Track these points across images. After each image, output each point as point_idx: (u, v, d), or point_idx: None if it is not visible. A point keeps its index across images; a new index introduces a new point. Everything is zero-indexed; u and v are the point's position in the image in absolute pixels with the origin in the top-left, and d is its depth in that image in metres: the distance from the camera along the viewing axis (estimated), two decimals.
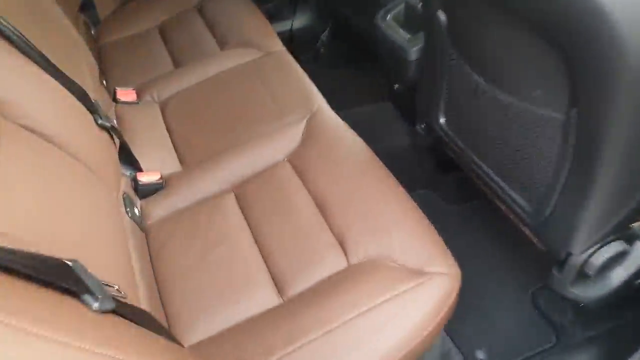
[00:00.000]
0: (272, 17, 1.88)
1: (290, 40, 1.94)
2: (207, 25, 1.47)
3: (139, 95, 1.23)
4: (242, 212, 0.91)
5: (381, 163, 0.96)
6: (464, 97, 1.01)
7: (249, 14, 1.50)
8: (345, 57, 1.94)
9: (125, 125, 1.09)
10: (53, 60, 0.80)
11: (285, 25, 1.93)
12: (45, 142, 0.72)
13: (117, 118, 1.10)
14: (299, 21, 1.94)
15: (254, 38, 1.39)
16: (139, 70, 1.34)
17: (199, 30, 1.46)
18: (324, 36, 1.97)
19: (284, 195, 0.92)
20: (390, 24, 1.33)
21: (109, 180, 0.84)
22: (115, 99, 1.18)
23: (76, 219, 0.68)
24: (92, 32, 1.45)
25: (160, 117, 1.16)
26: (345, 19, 1.69)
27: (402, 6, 1.35)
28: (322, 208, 0.89)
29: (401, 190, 0.90)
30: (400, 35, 1.27)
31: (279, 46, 1.38)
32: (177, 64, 1.37)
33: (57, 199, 0.66)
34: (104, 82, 1.22)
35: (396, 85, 1.41)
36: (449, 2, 0.96)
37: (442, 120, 1.11)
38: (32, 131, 0.70)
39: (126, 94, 1.20)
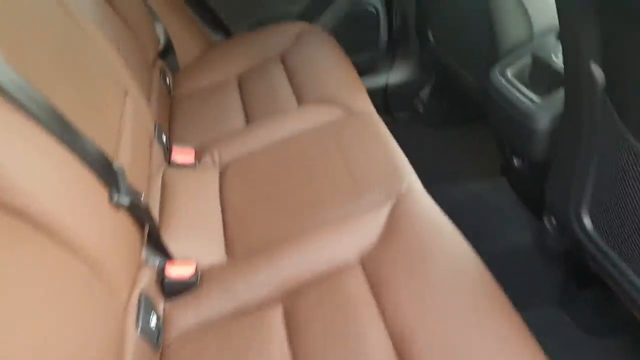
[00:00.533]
0: (366, 69, 1.68)
1: (385, 96, 1.71)
2: (288, 77, 1.29)
3: (198, 155, 1.05)
4: (289, 336, 0.66)
5: (493, 280, 0.66)
6: (629, 191, 0.69)
7: (335, 65, 1.29)
8: (449, 118, 1.67)
9: (172, 194, 0.90)
10: (72, 114, 0.62)
11: (379, 79, 1.72)
12: (23, 225, 0.53)
13: (164, 185, 0.91)
14: (396, 74, 1.71)
15: (337, 93, 1.17)
16: (206, 126, 1.18)
17: (278, 81, 1.28)
18: (423, 93, 1.72)
19: (347, 319, 0.65)
20: (511, 81, 1.04)
21: (117, 279, 0.63)
22: (169, 160, 1.01)
23: (50, 342, 0.47)
24: (168, 80, 1.33)
25: (217, 186, 0.96)
26: (451, 73, 1.42)
27: (527, 59, 1.06)
28: (399, 346, 0.60)
29: (523, 330, 0.59)
30: (526, 98, 0.97)
31: (366, 105, 1.14)
32: (249, 119, 1.18)
33: (26, 311, 0.47)
34: (164, 138, 1.05)
35: (516, 160, 1.09)
36: (612, 50, 0.66)
37: (586, 219, 0.79)
38: (7, 210, 0.51)
39: (183, 154, 1.02)
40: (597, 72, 0.72)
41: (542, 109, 0.95)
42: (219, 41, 1.54)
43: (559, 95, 0.94)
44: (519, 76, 1.06)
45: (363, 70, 1.70)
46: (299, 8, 1.61)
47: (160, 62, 1.33)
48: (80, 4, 0.98)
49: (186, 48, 1.44)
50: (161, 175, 0.92)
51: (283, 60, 1.36)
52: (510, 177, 1.21)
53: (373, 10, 1.60)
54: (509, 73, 1.05)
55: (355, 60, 1.64)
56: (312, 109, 1.15)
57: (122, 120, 0.83)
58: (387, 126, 1.01)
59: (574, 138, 0.81)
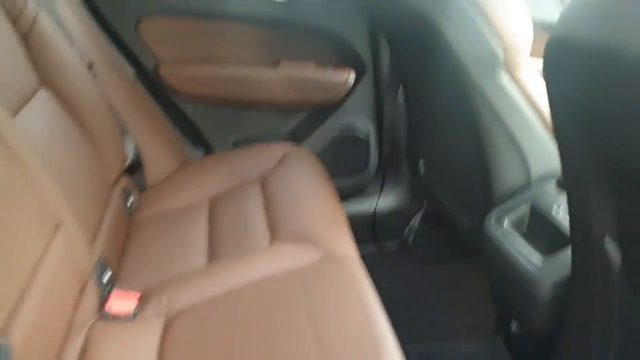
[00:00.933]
0: (354, 194, 1.58)
1: (373, 223, 1.59)
2: (265, 204, 1.17)
3: (143, 301, 0.89)
4: None
5: None
6: None
7: (318, 195, 1.18)
8: (439, 252, 1.54)
9: None
10: None
11: (368, 205, 1.60)
12: None
13: (85, 349, 0.74)
14: (385, 201, 1.60)
15: (316, 231, 1.04)
16: (161, 261, 1.03)
17: (253, 209, 1.15)
18: (413, 222, 1.60)
19: None
20: (509, 234, 0.92)
21: None
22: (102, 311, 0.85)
23: None
24: (130, 201, 1.21)
25: (155, 346, 0.79)
26: (443, 207, 1.31)
27: (525, 208, 0.95)
28: None
29: None
30: (526, 257, 0.85)
31: (347, 247, 1.01)
32: (212, 255, 1.04)
33: None
34: (106, 278, 0.90)
35: (514, 325, 0.94)
36: (631, 224, 0.55)
37: None
38: None
39: (123, 300, 0.86)
40: (612, 249, 0.59)
41: (544, 274, 0.82)
42: (197, 158, 1.45)
43: (563, 257, 0.82)
44: (516, 226, 0.94)
45: (350, 195, 1.60)
46: (287, 128, 1.55)
47: (125, 180, 1.22)
48: (32, 126, 0.89)
49: (159, 164, 1.34)
50: (84, 334, 0.76)
51: (263, 184, 1.25)
52: (507, 338, 1.05)
53: (363, 135, 1.54)
54: (506, 223, 0.94)
55: (343, 184, 1.56)
56: (286, 249, 1.01)
57: (39, 269, 0.69)
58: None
59: (585, 310, 0.67)
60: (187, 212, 1.21)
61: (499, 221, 0.94)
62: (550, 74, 0.55)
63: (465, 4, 0.83)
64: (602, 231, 0.59)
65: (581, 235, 0.65)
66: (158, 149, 1.34)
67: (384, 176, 1.57)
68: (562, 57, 0.52)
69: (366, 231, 1.61)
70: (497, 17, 0.84)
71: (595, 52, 0.46)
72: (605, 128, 0.51)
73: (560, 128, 0.60)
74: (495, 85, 0.88)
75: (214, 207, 1.21)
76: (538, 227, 0.91)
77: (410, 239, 1.57)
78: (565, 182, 0.63)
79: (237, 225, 1.12)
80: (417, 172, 1.43)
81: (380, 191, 1.57)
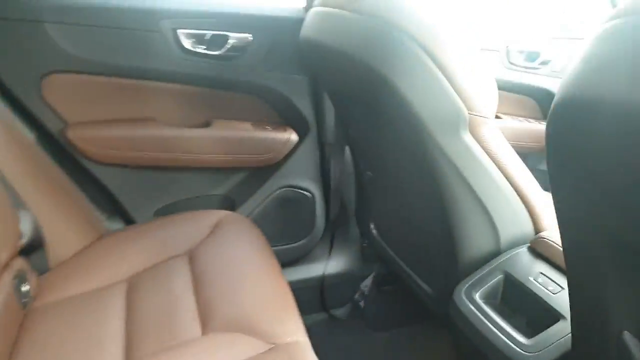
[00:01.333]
0: (299, 259, 1.43)
1: (321, 290, 1.44)
2: (195, 286, 0.98)
3: None
4: None
5: None
6: None
7: (257, 270, 1.02)
8: (395, 317, 1.42)
9: None
10: None
11: (315, 270, 1.46)
12: None
13: None
14: (334, 265, 1.46)
15: (255, 316, 0.87)
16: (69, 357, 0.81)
17: (180, 293, 0.97)
18: (365, 285, 1.46)
19: None
20: (482, 307, 0.79)
21: None
22: None
23: None
24: (26, 287, 0.97)
25: None
26: (398, 271, 1.19)
27: (497, 280, 0.83)
28: None
29: None
30: (509, 334, 0.72)
31: (294, 332, 0.84)
32: (130, 351, 0.84)
33: None
34: None
35: None
36: None
37: None
38: None
39: None
40: (635, 346, 0.47)
41: (533, 358, 0.69)
42: (114, 231, 1.24)
43: (551, 337, 0.70)
44: (489, 298, 0.82)
45: (296, 261, 1.45)
46: (220, 192, 1.39)
47: (19, 262, 0.99)
48: None
49: (65, 240, 1.12)
50: None
51: (192, 260, 1.07)
52: None
53: (308, 194, 1.41)
54: (478, 295, 0.81)
55: (287, 250, 1.41)
56: (221, 340, 0.83)
57: None
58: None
59: None
60: (98, 297, 0.99)
61: (470, 294, 0.82)
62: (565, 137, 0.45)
63: (423, 61, 0.74)
64: (619, 327, 0.48)
65: (589, 330, 0.53)
66: (64, 224, 1.12)
67: (332, 239, 1.43)
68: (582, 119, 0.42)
69: (314, 299, 1.46)
70: (460, 73, 0.75)
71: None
72: (623, 199, 0.40)
73: (563, 199, 0.49)
74: (459, 144, 0.79)
75: (133, 289, 1.00)
76: (514, 300, 0.80)
77: (362, 303, 1.44)
78: (569, 267, 0.52)
79: (161, 312, 0.92)
80: (368, 234, 1.31)
81: (329, 255, 1.43)
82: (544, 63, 1.64)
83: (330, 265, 1.46)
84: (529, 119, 1.67)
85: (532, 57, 1.65)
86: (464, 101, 0.77)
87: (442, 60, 0.74)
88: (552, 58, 1.64)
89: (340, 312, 1.48)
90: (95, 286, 1.03)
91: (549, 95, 1.61)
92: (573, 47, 1.65)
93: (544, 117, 1.70)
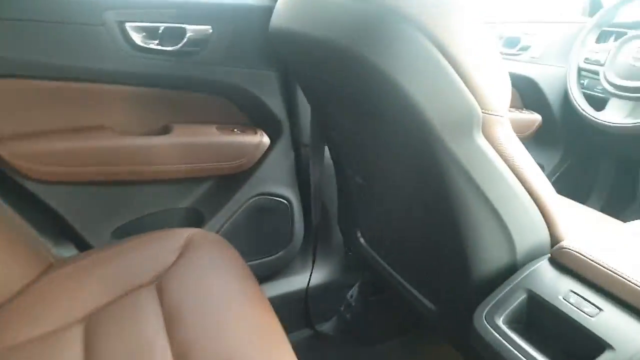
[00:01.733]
0: (279, 273, 1.31)
1: (305, 305, 1.32)
2: (165, 323, 0.84)
3: None
4: None
5: None
6: None
7: (236, 295, 0.89)
8: (386, 327, 1.32)
9: None
10: None
11: (297, 284, 1.34)
12: None
13: None
14: (317, 277, 1.35)
15: (239, 349, 0.76)
16: None
17: (148, 330, 0.83)
18: (350, 296, 1.36)
19: None
20: (507, 335, 0.69)
21: None
22: None
23: None
24: None
25: None
26: (392, 281, 1.08)
27: (520, 299, 0.73)
28: None
29: None
30: None
31: (281, 357, 0.73)
32: None
33: None
34: None
35: None
36: None
37: None
38: None
39: None
40: None
41: None
42: (65, 259, 1.07)
43: None
44: (513, 322, 0.72)
45: (274, 275, 1.33)
46: (186, 204, 1.23)
47: None
48: None
49: (6, 275, 0.94)
50: None
51: (160, 290, 0.92)
52: None
53: (284, 201, 1.28)
54: (502, 322, 0.71)
55: (265, 263, 1.28)
56: None
57: None
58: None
59: None
60: (50, 343, 0.83)
61: (493, 319, 0.71)
62: None
63: (431, 54, 0.63)
64: None
65: None
66: (3, 256, 0.95)
67: (314, 250, 1.31)
68: None
69: (297, 315, 1.34)
70: (473, 67, 0.64)
71: None
72: None
73: None
74: (471, 147, 0.68)
75: (92, 332, 0.85)
76: (543, 325, 0.70)
77: (349, 316, 1.33)
78: None
79: (127, 355, 0.78)
80: (354, 242, 1.20)
81: (312, 266, 1.31)
82: (523, 49, 1.56)
83: (312, 277, 1.34)
84: (510, 109, 1.60)
85: (511, 42, 1.58)
86: (478, 99, 0.66)
87: (454, 53, 0.63)
88: (532, 44, 1.56)
89: (326, 327, 1.37)
90: (45, 330, 0.86)
91: (531, 83, 1.54)
92: (550, 31, 1.58)
93: (525, 105, 1.63)
